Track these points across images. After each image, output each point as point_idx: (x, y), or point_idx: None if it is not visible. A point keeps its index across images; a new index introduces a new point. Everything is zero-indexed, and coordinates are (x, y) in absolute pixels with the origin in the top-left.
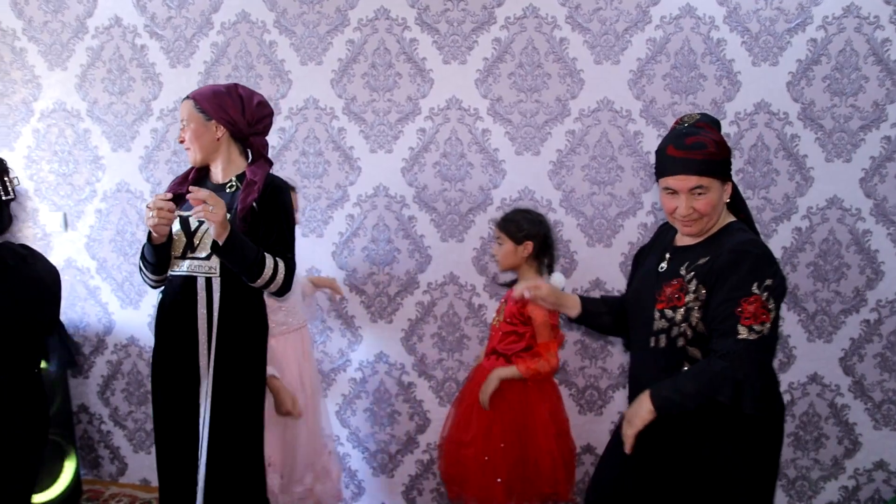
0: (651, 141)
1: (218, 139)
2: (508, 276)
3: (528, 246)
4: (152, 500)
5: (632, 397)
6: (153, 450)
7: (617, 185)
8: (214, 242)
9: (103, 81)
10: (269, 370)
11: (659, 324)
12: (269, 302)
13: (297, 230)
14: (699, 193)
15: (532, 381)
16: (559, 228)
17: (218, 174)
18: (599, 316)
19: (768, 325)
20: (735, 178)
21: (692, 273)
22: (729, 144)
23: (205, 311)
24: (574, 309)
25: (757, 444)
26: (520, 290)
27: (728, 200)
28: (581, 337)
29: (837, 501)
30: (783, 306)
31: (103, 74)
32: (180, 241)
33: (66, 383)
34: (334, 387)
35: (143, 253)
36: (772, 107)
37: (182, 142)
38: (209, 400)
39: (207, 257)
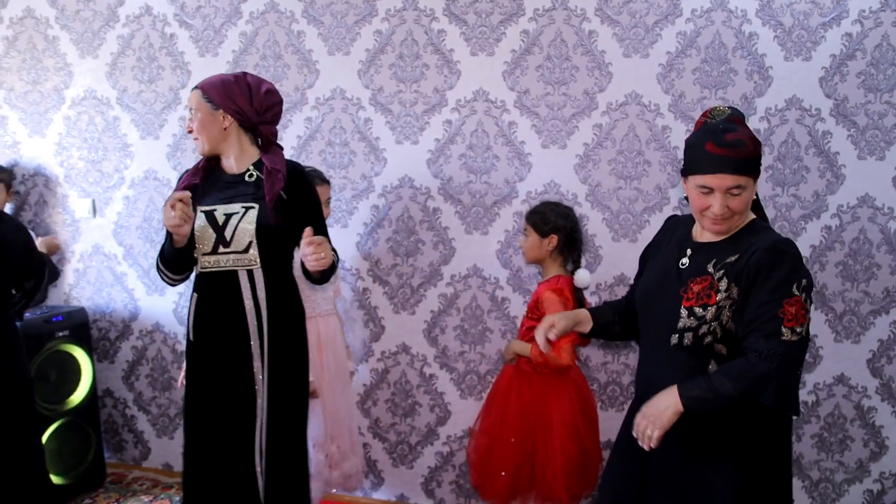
0: (679, 136)
1: (225, 129)
2: (533, 269)
3: (553, 239)
4: (174, 485)
5: (643, 396)
6: (176, 435)
7: (644, 179)
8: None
9: (133, 70)
10: None
11: (686, 321)
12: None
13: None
14: (735, 192)
15: (539, 367)
16: (584, 223)
17: (232, 165)
18: (611, 325)
19: (806, 325)
20: (764, 175)
21: (722, 271)
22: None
23: (252, 304)
24: (587, 324)
25: (775, 441)
26: (541, 341)
27: (754, 198)
28: None
29: None
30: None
31: (133, 63)
32: (207, 235)
33: (93, 367)
34: (356, 377)
35: (162, 253)
36: (804, 102)
37: (190, 131)
38: (266, 389)
39: (245, 250)
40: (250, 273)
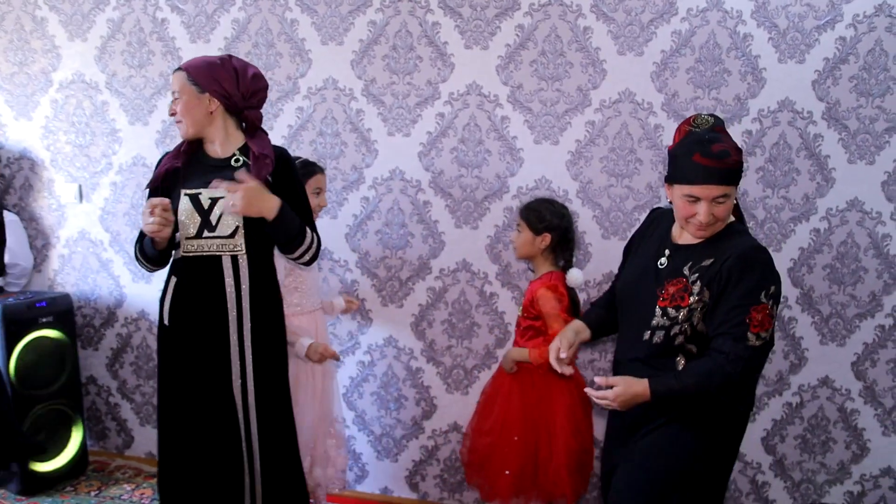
0: (671, 135)
1: (211, 112)
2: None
3: (546, 238)
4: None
5: (619, 374)
6: None
7: (635, 177)
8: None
9: (123, 54)
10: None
11: (659, 320)
12: (286, 283)
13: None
14: (721, 201)
15: (541, 369)
16: (575, 220)
17: (216, 149)
18: (608, 324)
19: (771, 331)
20: (754, 176)
21: (696, 274)
22: (750, 142)
23: (233, 291)
24: (585, 332)
25: (724, 432)
26: (559, 369)
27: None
28: None
29: None
30: (796, 307)
31: (123, 47)
32: (192, 219)
33: (76, 354)
34: (342, 369)
35: (142, 247)
36: (796, 105)
37: (173, 114)
38: (252, 379)
39: (232, 235)
40: (234, 259)
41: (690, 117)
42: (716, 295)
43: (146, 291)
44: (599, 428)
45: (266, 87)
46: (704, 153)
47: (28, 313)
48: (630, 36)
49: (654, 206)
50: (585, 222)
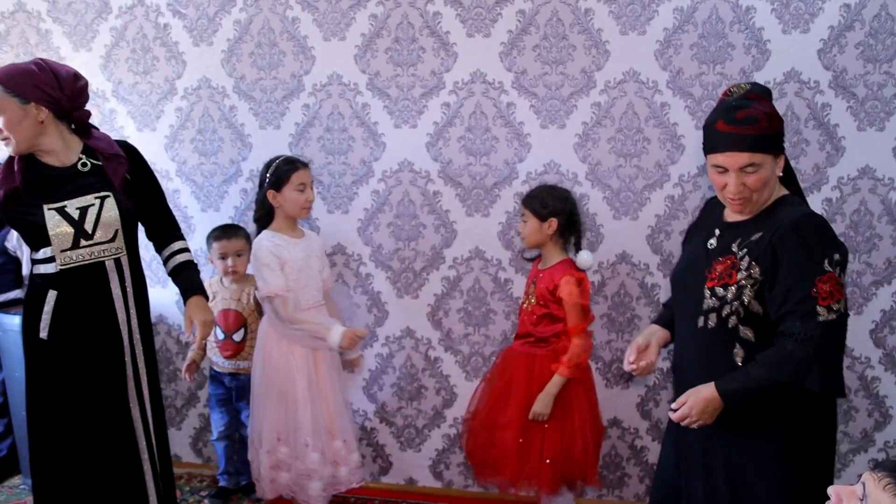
0: (678, 112)
1: (42, 122)
2: (534, 252)
3: (553, 223)
4: (183, 475)
5: (679, 382)
6: (184, 426)
7: (643, 157)
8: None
9: (127, 61)
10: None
11: (709, 302)
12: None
13: (322, 206)
14: (751, 171)
15: (576, 375)
16: (585, 202)
17: (59, 157)
18: None
19: (843, 302)
20: None
21: (745, 250)
22: None
23: (119, 292)
24: (660, 332)
25: (819, 418)
26: (642, 369)
27: (780, 174)
28: (608, 311)
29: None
30: None
31: (127, 54)
32: (64, 232)
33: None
34: (361, 362)
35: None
36: (802, 75)
37: None
38: (146, 377)
39: (112, 239)
40: (117, 261)
41: (730, 87)
42: (768, 270)
43: (163, 296)
44: (610, 406)
45: (87, 84)
46: (728, 120)
47: None
48: (632, 15)
49: (710, 196)
50: (596, 204)
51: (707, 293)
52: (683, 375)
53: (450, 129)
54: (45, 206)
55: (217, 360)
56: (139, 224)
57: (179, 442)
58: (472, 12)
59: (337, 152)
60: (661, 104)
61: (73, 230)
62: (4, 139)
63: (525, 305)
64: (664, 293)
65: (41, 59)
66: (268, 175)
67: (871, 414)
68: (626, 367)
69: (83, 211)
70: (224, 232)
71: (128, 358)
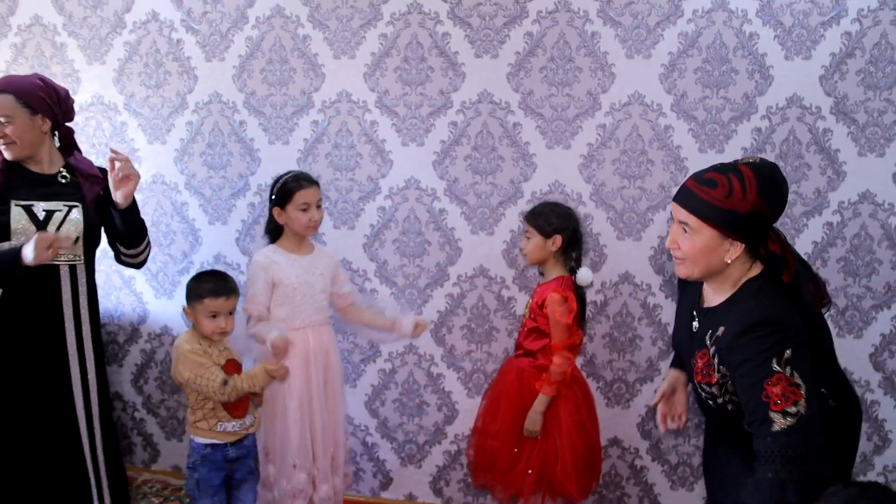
0: (682, 135)
1: (44, 133)
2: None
3: (557, 240)
4: (182, 486)
5: (708, 448)
6: (185, 437)
7: (647, 178)
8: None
9: (140, 75)
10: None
11: (703, 393)
12: (274, 295)
13: (329, 221)
14: (687, 231)
15: (563, 387)
16: (589, 222)
17: (43, 166)
18: None
19: (802, 401)
20: None
21: (714, 347)
22: (760, 139)
23: (70, 297)
24: (682, 376)
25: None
26: (675, 427)
27: (729, 261)
28: (609, 330)
29: None
30: None
31: (140, 68)
32: (26, 231)
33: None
34: (364, 377)
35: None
36: (804, 101)
37: (3, 137)
38: (96, 384)
39: (73, 244)
40: (72, 268)
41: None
42: (727, 368)
43: (169, 307)
44: (611, 426)
45: (73, 102)
46: (696, 176)
47: None
48: (637, 39)
49: None
50: (600, 224)
51: (697, 385)
52: (708, 437)
53: (456, 148)
54: (13, 202)
55: (224, 426)
56: (110, 243)
57: (181, 453)
58: (480, 33)
59: (344, 168)
60: (665, 127)
61: (34, 229)
62: (9, 144)
63: (524, 317)
64: (666, 314)
65: (40, 76)
66: (274, 191)
67: (870, 438)
68: (662, 429)
69: (49, 214)
70: (219, 287)
71: (74, 364)
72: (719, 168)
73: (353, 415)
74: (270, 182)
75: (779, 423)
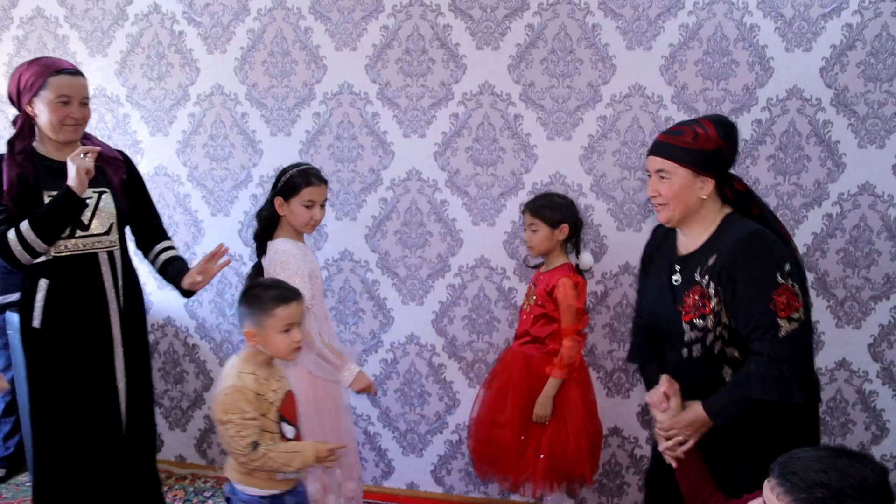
0: None
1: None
2: (538, 259)
3: (565, 229)
4: (188, 476)
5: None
6: (188, 427)
7: None
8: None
9: (142, 67)
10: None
11: (691, 335)
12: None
13: (331, 213)
14: (662, 178)
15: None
16: (589, 213)
17: (63, 154)
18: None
19: (803, 310)
20: (766, 164)
21: (706, 276)
22: (760, 131)
23: (112, 284)
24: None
25: (802, 427)
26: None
27: (704, 196)
28: (610, 321)
29: None
30: (812, 292)
31: (142, 60)
32: None
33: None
34: (365, 367)
35: (39, 222)
36: (804, 93)
37: (81, 119)
38: (124, 367)
39: (107, 232)
40: (110, 254)
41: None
42: (728, 287)
43: (171, 298)
44: (611, 415)
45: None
46: (664, 131)
47: None
48: (638, 31)
49: (656, 225)
50: (600, 215)
51: (686, 327)
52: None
53: (458, 140)
54: (45, 193)
55: (287, 473)
56: (132, 227)
57: (185, 443)
58: (481, 25)
59: (346, 160)
60: (665, 118)
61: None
62: (77, 123)
63: (524, 306)
64: None
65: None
66: (281, 180)
67: (868, 427)
68: (662, 407)
69: (84, 201)
70: (285, 292)
71: (118, 348)
72: (683, 122)
73: (355, 404)
74: (273, 174)
75: (785, 328)
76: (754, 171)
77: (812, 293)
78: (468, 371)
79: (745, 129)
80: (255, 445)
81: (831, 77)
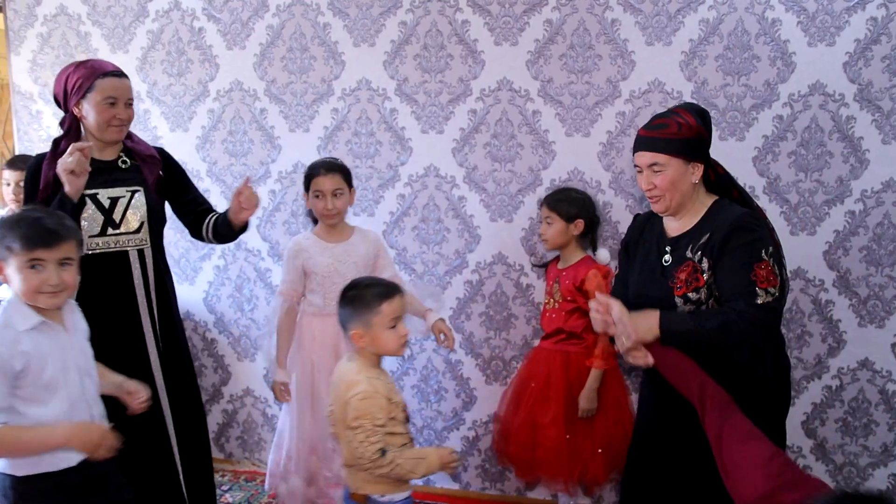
0: None
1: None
2: (550, 256)
3: (580, 224)
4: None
5: (654, 381)
6: (208, 419)
7: None
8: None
9: (163, 63)
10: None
11: (684, 308)
12: (310, 285)
13: (349, 209)
14: (656, 170)
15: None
16: (608, 210)
17: (104, 153)
18: None
19: (776, 288)
20: (787, 161)
21: (699, 252)
22: (781, 126)
23: (141, 282)
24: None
25: (769, 409)
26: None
27: (696, 181)
28: None
29: (886, 489)
30: (833, 290)
31: (163, 57)
32: (95, 218)
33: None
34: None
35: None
36: (827, 88)
37: (127, 120)
38: (160, 365)
39: (137, 230)
40: (140, 252)
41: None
42: (716, 261)
43: (190, 292)
44: None
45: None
46: (646, 126)
47: None
48: (658, 26)
49: (636, 214)
50: (619, 212)
51: (679, 301)
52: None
53: (476, 136)
54: (85, 191)
55: None
56: (182, 220)
57: None
58: (500, 21)
59: (364, 156)
60: None
61: (102, 217)
62: (121, 123)
63: (550, 305)
64: None
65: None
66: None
67: (891, 428)
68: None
69: (114, 201)
70: (388, 288)
71: (151, 346)
72: (662, 115)
73: None
74: (291, 169)
75: (762, 297)
76: (775, 167)
77: (833, 292)
78: (485, 368)
79: (766, 125)
80: (383, 452)
81: (855, 72)
